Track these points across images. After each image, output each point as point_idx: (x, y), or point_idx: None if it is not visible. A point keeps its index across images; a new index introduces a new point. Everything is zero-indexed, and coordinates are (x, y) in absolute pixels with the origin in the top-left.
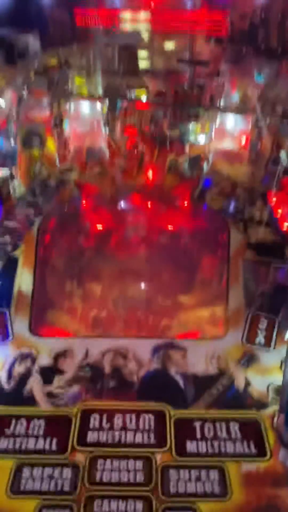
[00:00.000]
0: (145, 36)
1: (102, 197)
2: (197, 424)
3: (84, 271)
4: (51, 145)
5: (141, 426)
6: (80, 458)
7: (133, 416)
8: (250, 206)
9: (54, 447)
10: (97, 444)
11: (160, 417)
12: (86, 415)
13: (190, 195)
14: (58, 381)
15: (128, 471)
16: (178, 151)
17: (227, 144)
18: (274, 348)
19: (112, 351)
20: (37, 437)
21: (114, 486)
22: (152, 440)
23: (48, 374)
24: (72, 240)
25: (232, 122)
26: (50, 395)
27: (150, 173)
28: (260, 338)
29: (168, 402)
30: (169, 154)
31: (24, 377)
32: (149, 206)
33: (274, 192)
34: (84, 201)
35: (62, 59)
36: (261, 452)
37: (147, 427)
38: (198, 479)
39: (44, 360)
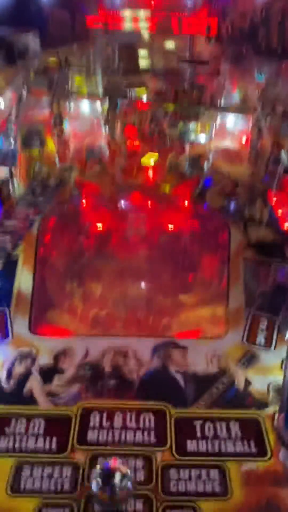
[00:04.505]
0: (145, 35)
1: (102, 196)
2: (198, 423)
3: (84, 271)
4: (51, 144)
5: (141, 425)
6: (80, 457)
7: (133, 415)
8: (250, 206)
9: (54, 446)
10: (97, 443)
11: (160, 416)
12: (86, 414)
13: (190, 195)
14: (58, 380)
15: (128, 470)
16: (178, 150)
17: (228, 144)
18: (274, 347)
19: (112, 350)
20: (37, 436)
21: None
22: (152, 439)
23: (48, 373)
24: (72, 239)
25: (232, 121)
26: (50, 394)
27: (150, 173)
28: (261, 338)
29: (168, 401)
30: (169, 154)
31: (24, 377)
32: (149, 205)
33: (274, 191)
34: (84, 201)
35: (62, 58)
36: (261, 451)
37: (147, 426)
38: (198, 478)
39: (44, 359)
